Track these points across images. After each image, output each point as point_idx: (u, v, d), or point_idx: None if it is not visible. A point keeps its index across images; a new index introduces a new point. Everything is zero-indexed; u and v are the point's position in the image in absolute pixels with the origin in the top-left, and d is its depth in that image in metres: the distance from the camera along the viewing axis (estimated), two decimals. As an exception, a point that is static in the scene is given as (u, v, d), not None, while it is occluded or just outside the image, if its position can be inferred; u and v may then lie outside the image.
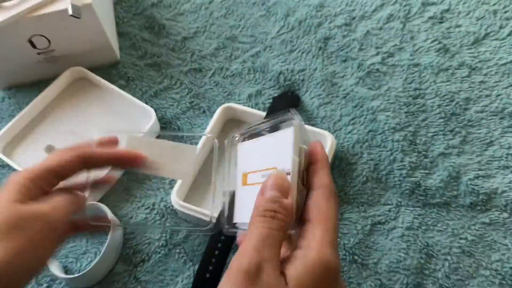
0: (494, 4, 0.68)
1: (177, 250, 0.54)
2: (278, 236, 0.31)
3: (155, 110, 0.60)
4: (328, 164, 0.34)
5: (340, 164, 0.58)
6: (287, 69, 0.65)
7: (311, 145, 0.35)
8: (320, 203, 0.32)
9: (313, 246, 0.30)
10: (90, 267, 0.51)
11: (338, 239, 0.53)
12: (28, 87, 0.67)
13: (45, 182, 0.38)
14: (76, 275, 0.51)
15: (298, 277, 0.29)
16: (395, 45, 0.66)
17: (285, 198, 0.32)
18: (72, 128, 0.62)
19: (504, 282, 0.50)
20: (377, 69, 0.64)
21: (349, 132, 0.60)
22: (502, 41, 0.65)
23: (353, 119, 0.61)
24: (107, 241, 0.52)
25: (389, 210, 0.55)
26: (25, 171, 0.38)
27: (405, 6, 0.69)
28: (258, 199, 0.32)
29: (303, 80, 0.64)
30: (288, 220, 0.31)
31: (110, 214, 0.53)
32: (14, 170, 0.60)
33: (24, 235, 0.35)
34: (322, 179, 0.33)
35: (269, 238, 0.30)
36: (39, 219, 0.36)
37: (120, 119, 0.62)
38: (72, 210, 0.39)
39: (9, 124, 0.61)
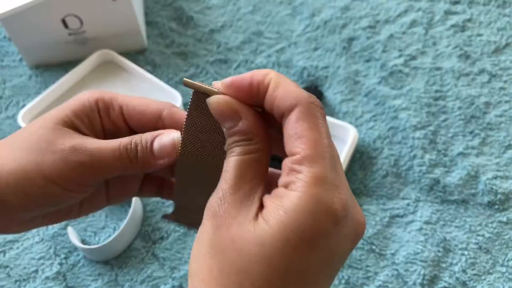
0: (515, 17, 0.70)
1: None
2: (247, 159, 0.27)
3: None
4: (287, 81, 0.26)
5: (361, 158, 0.59)
6: (311, 65, 0.66)
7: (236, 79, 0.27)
8: (301, 127, 0.25)
9: (298, 185, 0.24)
10: (109, 240, 0.51)
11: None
12: (56, 67, 0.68)
13: (115, 115, 0.33)
14: (94, 246, 0.52)
15: (267, 219, 0.24)
16: (418, 49, 0.67)
17: (238, 122, 0.27)
18: (98, 108, 0.62)
19: (520, 280, 0.51)
20: (400, 70, 0.65)
21: (371, 128, 0.61)
22: (522, 52, 0.67)
23: (374, 116, 0.62)
24: (128, 216, 0.52)
25: (408, 204, 0.56)
26: (102, 93, 0.33)
27: (428, 13, 0.71)
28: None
29: (326, 76, 0.66)
30: (256, 139, 0.27)
31: (132, 190, 0.54)
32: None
33: (35, 159, 0.30)
34: (288, 97, 0.26)
35: (236, 165, 0.26)
36: (62, 153, 0.30)
37: (145, 102, 0.63)
38: (130, 166, 0.31)
39: (36, 99, 0.62)
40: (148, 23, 0.71)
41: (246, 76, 0.27)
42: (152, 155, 0.31)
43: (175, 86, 0.64)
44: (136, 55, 0.68)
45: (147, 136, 0.31)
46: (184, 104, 0.63)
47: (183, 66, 0.67)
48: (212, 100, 0.27)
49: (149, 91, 0.64)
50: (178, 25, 0.71)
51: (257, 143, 0.27)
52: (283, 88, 0.26)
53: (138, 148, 0.31)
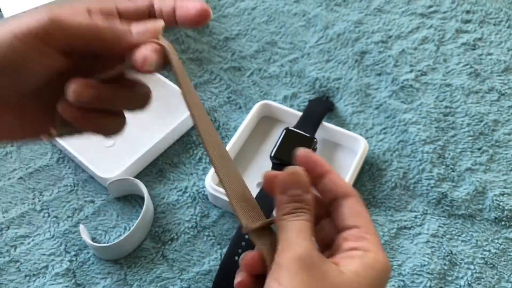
0: (525, 38, 0.71)
1: (206, 233, 0.55)
2: (311, 227, 0.32)
3: (195, 99, 0.62)
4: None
5: (370, 169, 0.59)
6: (323, 76, 0.67)
7: (304, 154, 0.34)
8: (359, 209, 0.33)
9: (371, 248, 0.31)
10: (119, 239, 0.52)
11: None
12: (72, 67, 0.69)
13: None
14: (104, 244, 0.52)
15: (356, 270, 0.30)
16: (429, 65, 0.69)
17: (306, 193, 0.32)
18: (112, 109, 0.63)
19: (525, 296, 0.51)
20: (411, 85, 0.66)
21: (380, 140, 0.62)
22: (531, 72, 0.68)
23: (384, 128, 0.63)
24: (140, 216, 0.53)
25: (415, 217, 0.56)
26: None
27: (439, 31, 0.72)
28: (280, 197, 0.33)
29: (338, 88, 0.67)
30: (312, 213, 0.33)
31: (146, 192, 0.55)
32: (52, 142, 0.61)
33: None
34: (347, 187, 0.34)
35: (307, 228, 0.31)
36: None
37: (159, 104, 0.64)
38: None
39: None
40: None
41: (318, 158, 0.34)
42: (129, 33, 0.31)
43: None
44: (152, 59, 0.69)
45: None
46: (198, 109, 0.63)
47: (198, 71, 0.68)
48: (298, 170, 0.32)
49: (164, 95, 0.65)
50: (194, 31, 0.72)
51: (312, 215, 0.32)
52: (339, 178, 0.34)
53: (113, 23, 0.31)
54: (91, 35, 0.31)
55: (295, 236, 0.30)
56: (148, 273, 0.52)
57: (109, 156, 0.60)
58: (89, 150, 0.60)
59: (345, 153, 0.60)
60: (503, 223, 0.55)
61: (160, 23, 0.32)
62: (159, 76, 0.64)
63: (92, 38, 0.31)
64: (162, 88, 0.65)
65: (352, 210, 0.33)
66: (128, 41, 0.31)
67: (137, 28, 0.32)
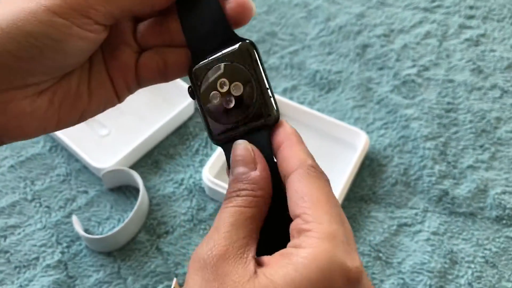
0: (528, 35, 0.70)
1: (202, 226, 0.54)
2: (246, 212, 0.25)
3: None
4: (300, 139, 0.27)
5: (371, 164, 0.58)
6: (324, 69, 0.66)
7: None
8: (303, 189, 0.25)
9: (307, 244, 0.23)
10: (113, 231, 0.51)
11: (364, 235, 0.53)
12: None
13: None
14: (98, 236, 0.51)
15: (274, 273, 0.22)
16: (431, 60, 0.67)
17: (252, 170, 0.26)
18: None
19: (525, 296, 0.50)
20: (413, 80, 0.65)
21: (381, 136, 0.61)
22: (534, 70, 0.67)
23: (386, 123, 0.62)
24: (134, 208, 0.51)
25: (416, 214, 0.55)
26: None
27: (442, 26, 0.71)
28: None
29: (339, 81, 0.65)
30: (261, 193, 0.26)
31: (141, 183, 0.53)
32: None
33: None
34: (293, 157, 0.26)
35: (233, 216, 0.25)
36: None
37: (155, 93, 0.62)
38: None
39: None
40: (162, 16, 0.70)
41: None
42: None
43: (189, 82, 0.64)
44: (149, 48, 0.67)
45: None
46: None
47: (196, 61, 0.67)
48: (241, 145, 0.27)
49: (163, 86, 0.63)
50: (192, 20, 0.71)
51: (260, 198, 0.26)
52: (289, 149, 0.26)
53: None
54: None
55: (214, 228, 0.25)
56: (142, 267, 0.51)
57: (104, 146, 0.58)
58: (82, 139, 0.58)
59: (346, 147, 0.59)
60: (504, 221, 0.55)
61: None
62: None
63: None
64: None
65: (295, 192, 0.25)
66: None
67: None
